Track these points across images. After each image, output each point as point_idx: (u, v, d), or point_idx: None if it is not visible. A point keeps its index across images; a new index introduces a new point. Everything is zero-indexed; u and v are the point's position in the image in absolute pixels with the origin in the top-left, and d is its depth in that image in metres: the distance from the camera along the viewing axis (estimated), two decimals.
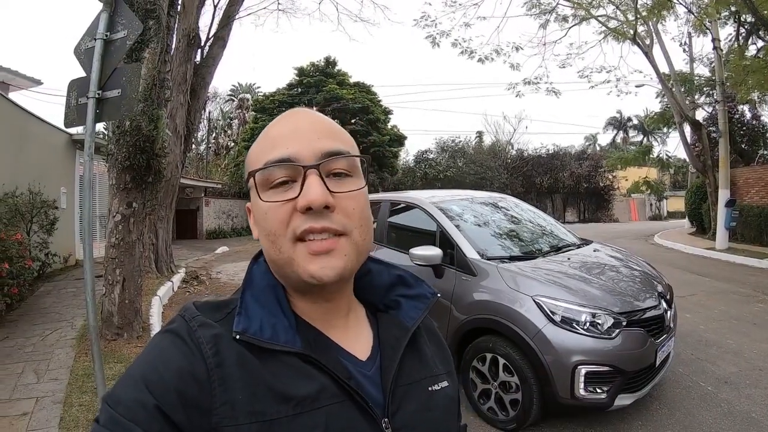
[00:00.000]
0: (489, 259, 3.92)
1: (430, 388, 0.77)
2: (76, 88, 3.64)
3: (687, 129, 16.04)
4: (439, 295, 0.86)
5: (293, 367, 0.65)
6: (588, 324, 3.22)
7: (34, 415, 3.60)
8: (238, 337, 0.64)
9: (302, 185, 0.66)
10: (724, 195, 13.52)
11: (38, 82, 12.59)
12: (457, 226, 4.26)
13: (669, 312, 3.69)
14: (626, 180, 33.04)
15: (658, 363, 3.40)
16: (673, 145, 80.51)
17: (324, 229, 0.65)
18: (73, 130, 9.57)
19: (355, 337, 0.76)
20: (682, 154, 19.68)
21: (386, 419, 0.68)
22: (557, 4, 15.01)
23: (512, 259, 4.01)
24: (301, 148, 0.68)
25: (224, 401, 0.60)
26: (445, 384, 0.80)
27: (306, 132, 0.69)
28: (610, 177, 34.46)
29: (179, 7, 8.55)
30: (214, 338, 0.64)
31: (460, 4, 15.07)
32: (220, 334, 0.64)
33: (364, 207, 0.71)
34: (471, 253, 3.96)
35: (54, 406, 3.72)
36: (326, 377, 0.65)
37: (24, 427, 3.43)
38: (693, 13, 14.20)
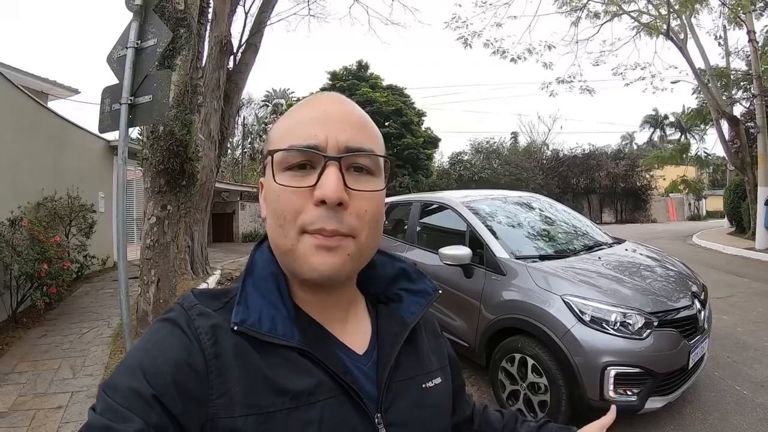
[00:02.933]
0: (518, 258, 3.87)
1: (424, 385, 0.77)
2: (110, 94, 3.78)
3: (724, 125, 15.50)
4: (440, 291, 0.86)
5: (291, 361, 0.65)
6: (618, 324, 3.14)
7: (69, 409, 3.73)
8: (236, 328, 0.64)
9: (320, 175, 0.64)
10: (763, 193, 13.04)
11: (76, 91, 12.89)
12: (488, 226, 4.22)
13: (703, 312, 3.57)
14: (664, 179, 32.32)
15: (691, 365, 3.28)
16: (711, 143, 78.06)
17: (334, 233, 0.64)
18: (110, 137, 9.81)
19: (354, 329, 0.76)
20: (720, 151, 19.14)
21: (379, 415, 0.68)
22: (588, 0, 14.81)
23: (542, 258, 3.94)
24: (327, 137, 0.66)
25: (221, 393, 0.60)
26: (438, 381, 0.80)
27: (335, 121, 0.68)
28: (648, 176, 33.72)
29: (210, 14, 8.72)
30: (212, 328, 0.63)
31: (490, 4, 15.01)
32: (218, 324, 0.64)
33: (378, 210, 0.70)
34: (500, 253, 3.92)
35: (88, 400, 3.84)
36: (323, 372, 0.65)
37: (58, 419, 3.56)
38: (726, 5, 13.75)
